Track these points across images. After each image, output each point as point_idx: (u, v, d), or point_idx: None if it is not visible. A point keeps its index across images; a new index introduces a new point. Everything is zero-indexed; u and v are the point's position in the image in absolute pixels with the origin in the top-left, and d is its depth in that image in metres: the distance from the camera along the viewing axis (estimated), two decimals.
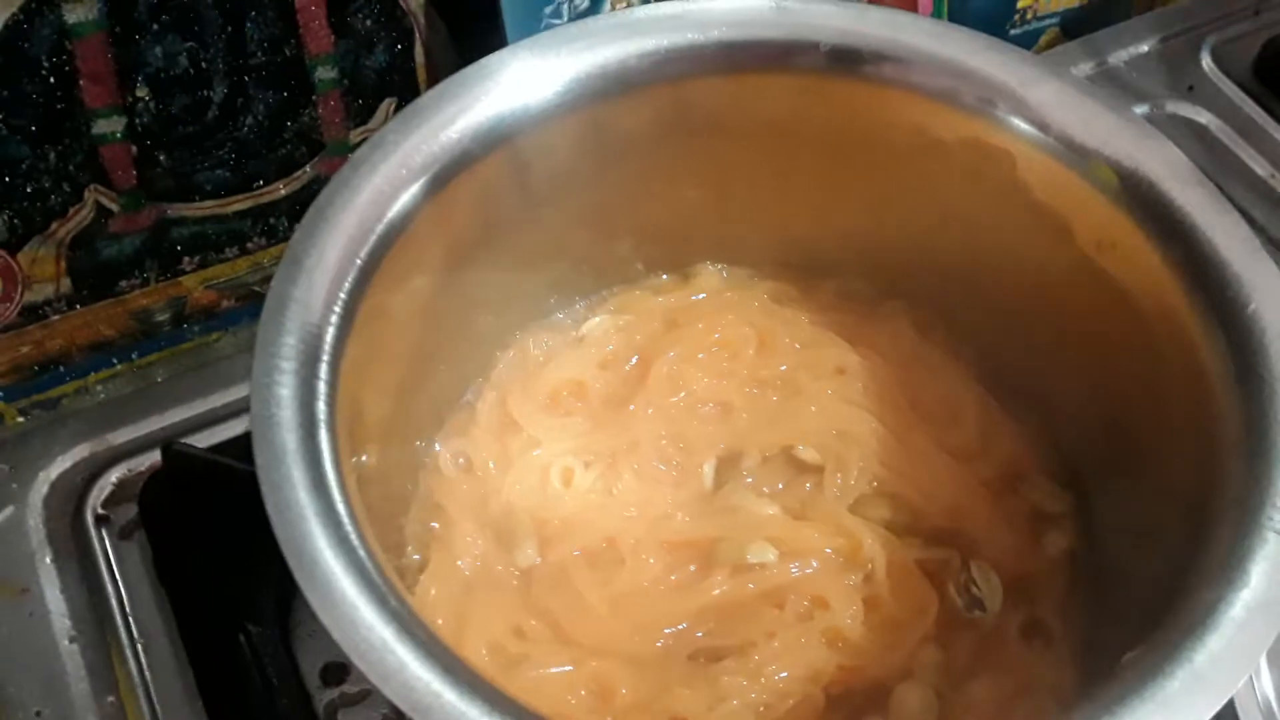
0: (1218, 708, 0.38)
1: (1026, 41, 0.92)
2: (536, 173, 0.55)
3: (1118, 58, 0.87)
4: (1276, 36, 0.87)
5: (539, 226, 0.57)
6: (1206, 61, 0.87)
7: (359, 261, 0.48)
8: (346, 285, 0.47)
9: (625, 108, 0.54)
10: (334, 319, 0.46)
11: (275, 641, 0.62)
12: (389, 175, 0.49)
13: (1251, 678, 0.62)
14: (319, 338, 0.45)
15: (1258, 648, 0.39)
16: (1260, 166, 0.82)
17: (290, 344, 0.44)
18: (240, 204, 0.75)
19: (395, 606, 0.40)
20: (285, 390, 0.43)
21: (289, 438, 0.42)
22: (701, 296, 0.63)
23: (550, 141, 0.54)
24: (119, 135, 0.67)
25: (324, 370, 0.45)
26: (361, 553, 0.41)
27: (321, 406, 0.44)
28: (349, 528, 0.41)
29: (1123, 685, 0.39)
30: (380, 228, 0.49)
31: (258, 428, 0.42)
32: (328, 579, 0.39)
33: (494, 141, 0.52)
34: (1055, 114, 0.52)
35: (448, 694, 0.38)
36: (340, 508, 0.41)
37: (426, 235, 0.51)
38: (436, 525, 0.56)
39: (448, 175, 0.51)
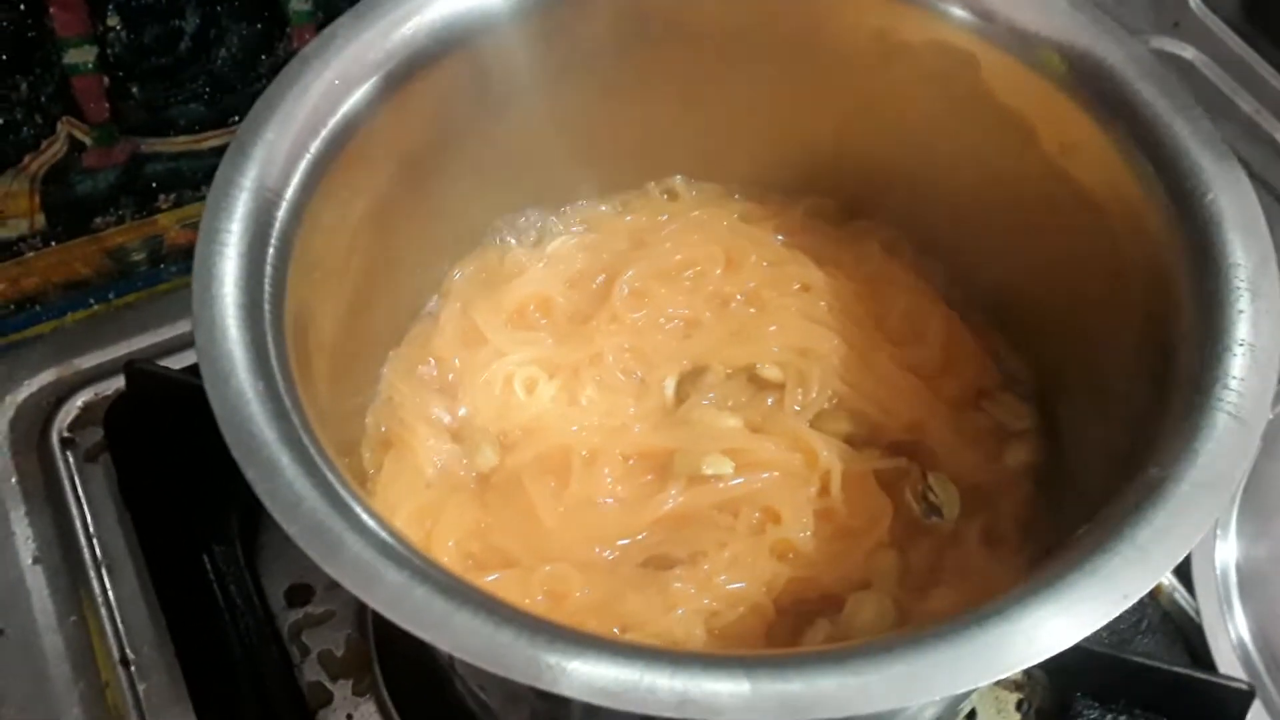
0: (1156, 581, 0.38)
1: None
2: (496, 79, 0.54)
3: None
4: None
5: (500, 137, 0.57)
6: None
7: (309, 154, 0.47)
8: (296, 177, 0.47)
9: (584, 11, 0.54)
10: (281, 211, 0.46)
11: (239, 562, 0.62)
12: (341, 70, 0.49)
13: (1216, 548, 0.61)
14: (267, 225, 0.45)
15: (1201, 524, 0.39)
16: (1246, 103, 0.81)
17: (235, 230, 0.44)
18: (215, 140, 0.74)
19: (335, 484, 0.39)
20: (229, 273, 0.43)
21: (230, 321, 0.42)
22: (668, 217, 0.63)
23: (508, 45, 0.53)
24: (90, 66, 0.67)
25: (271, 256, 0.44)
26: (300, 430, 0.40)
27: (267, 289, 0.43)
28: (288, 403, 0.41)
29: (1066, 559, 0.38)
30: (333, 122, 0.48)
31: (199, 307, 0.42)
32: (267, 453, 0.39)
33: (450, 42, 0.51)
34: (1004, 5, 0.51)
35: (389, 571, 0.37)
36: (280, 385, 0.41)
37: (382, 137, 0.51)
38: (395, 430, 0.56)
39: (402, 75, 0.50)
